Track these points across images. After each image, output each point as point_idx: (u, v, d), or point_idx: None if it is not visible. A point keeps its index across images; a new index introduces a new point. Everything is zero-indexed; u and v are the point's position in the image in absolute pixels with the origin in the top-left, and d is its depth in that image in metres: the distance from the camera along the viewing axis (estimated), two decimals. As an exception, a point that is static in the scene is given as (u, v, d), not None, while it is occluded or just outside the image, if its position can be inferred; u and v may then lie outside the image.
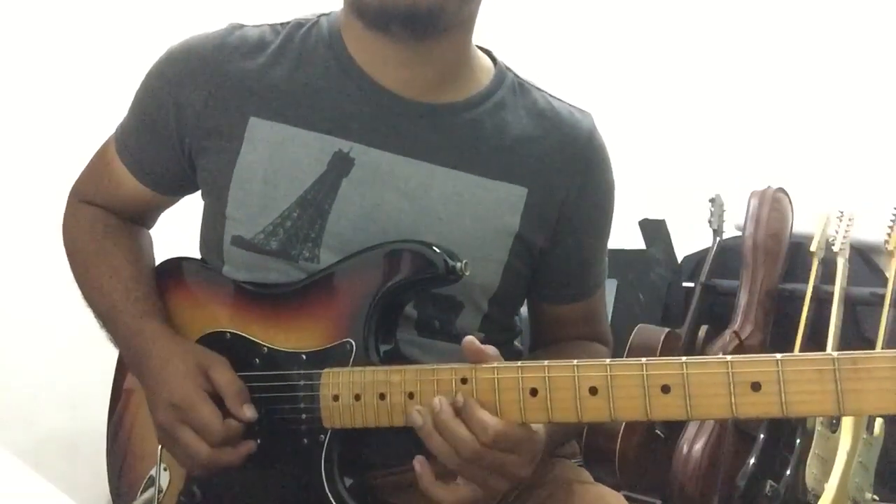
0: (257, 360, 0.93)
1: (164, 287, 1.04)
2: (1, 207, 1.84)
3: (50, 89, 1.89)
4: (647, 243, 2.39)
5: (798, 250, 2.20)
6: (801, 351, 1.92)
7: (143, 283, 1.02)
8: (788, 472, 1.88)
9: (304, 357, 0.90)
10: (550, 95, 1.04)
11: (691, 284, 2.30)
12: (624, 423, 2.04)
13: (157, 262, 1.10)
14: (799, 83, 2.44)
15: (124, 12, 1.99)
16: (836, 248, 2.04)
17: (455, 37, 0.95)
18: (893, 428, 1.94)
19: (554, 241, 1.02)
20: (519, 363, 0.78)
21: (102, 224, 1.07)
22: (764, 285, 2.15)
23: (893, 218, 1.97)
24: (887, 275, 1.97)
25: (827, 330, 1.95)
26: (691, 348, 2.16)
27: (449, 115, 0.97)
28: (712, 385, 0.70)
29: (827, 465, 1.86)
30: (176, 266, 1.06)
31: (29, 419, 1.84)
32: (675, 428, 2.08)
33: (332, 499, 0.86)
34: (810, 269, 2.07)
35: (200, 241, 1.07)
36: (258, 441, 0.92)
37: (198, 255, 1.08)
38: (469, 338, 0.80)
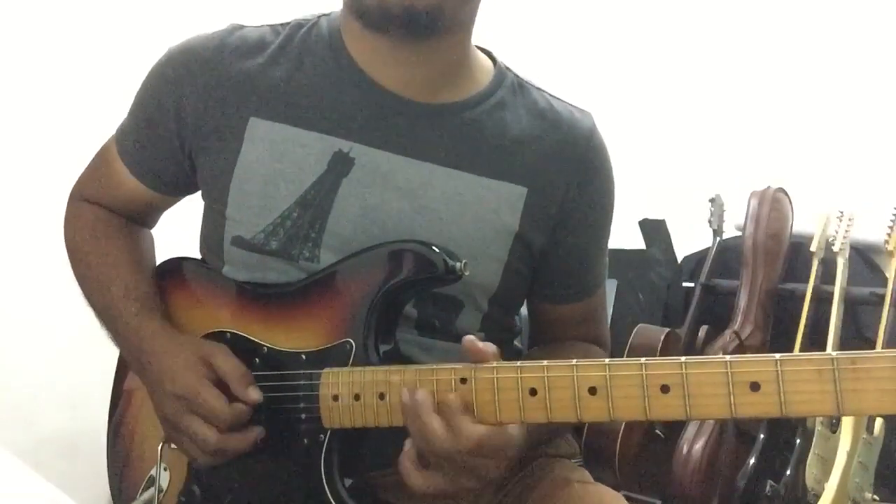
0: (257, 359, 0.94)
1: (164, 287, 1.04)
2: (1, 207, 1.84)
3: (50, 89, 1.89)
4: (647, 243, 2.39)
5: (798, 250, 2.20)
6: (801, 351, 1.92)
7: (143, 281, 1.02)
8: (788, 472, 1.88)
9: (303, 357, 0.91)
10: (550, 95, 1.04)
11: (691, 284, 2.30)
12: (624, 423, 2.04)
13: (158, 261, 1.10)
14: (799, 83, 2.44)
15: (125, 12, 1.99)
16: (836, 248, 2.04)
17: (454, 37, 0.95)
18: (893, 428, 1.94)
19: (554, 241, 1.02)
20: (518, 363, 0.78)
21: (103, 223, 1.08)
22: (764, 285, 2.16)
23: (893, 218, 1.97)
24: (887, 275, 1.97)
25: (827, 330, 1.95)
26: (691, 348, 2.16)
27: (449, 114, 0.97)
28: (711, 385, 0.70)
29: (827, 465, 1.86)
30: (176, 266, 1.06)
31: (29, 419, 1.84)
32: (674, 428, 2.08)
33: (331, 499, 0.87)
34: (810, 269, 2.07)
35: (201, 241, 1.07)
36: (258, 441, 0.92)
37: (198, 256, 1.08)
38: (469, 337, 0.81)
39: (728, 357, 0.69)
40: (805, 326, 2.00)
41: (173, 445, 0.94)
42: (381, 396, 0.83)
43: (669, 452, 2.03)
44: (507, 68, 1.04)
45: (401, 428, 0.82)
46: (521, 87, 1.03)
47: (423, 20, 0.87)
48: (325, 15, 1.02)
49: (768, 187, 2.23)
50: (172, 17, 1.99)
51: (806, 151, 2.39)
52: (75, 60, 1.92)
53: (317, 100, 0.96)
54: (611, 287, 2.31)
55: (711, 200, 2.33)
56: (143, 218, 1.12)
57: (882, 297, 1.94)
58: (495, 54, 1.05)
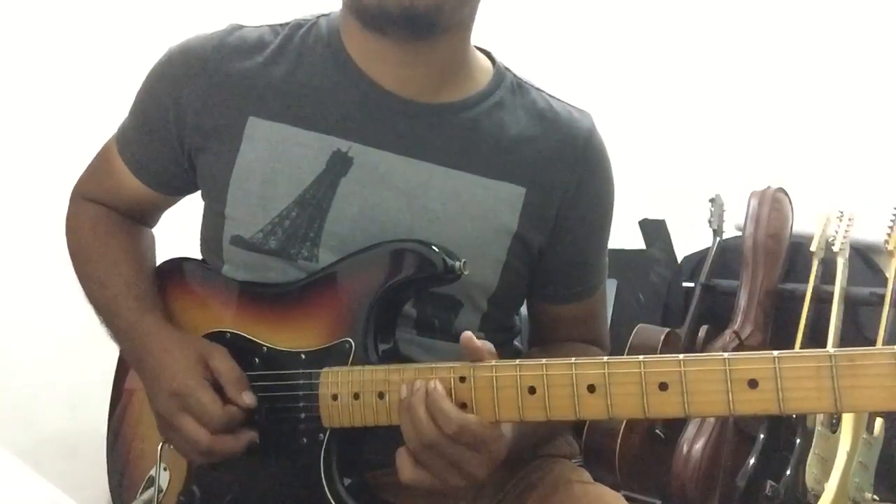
0: (257, 359, 0.94)
1: (164, 287, 1.05)
2: (1, 208, 1.84)
3: (51, 89, 1.89)
4: (647, 243, 2.39)
5: (798, 250, 2.20)
6: (800, 351, 1.91)
7: (143, 278, 1.03)
8: (788, 472, 1.88)
9: (303, 356, 0.91)
10: (549, 95, 1.04)
11: (691, 284, 2.30)
12: (624, 423, 2.04)
13: (159, 261, 1.10)
14: (799, 83, 2.44)
15: (126, 13, 1.99)
16: (836, 248, 2.04)
17: (453, 37, 0.95)
18: (893, 428, 1.94)
19: (552, 241, 1.02)
20: (517, 361, 0.78)
21: (104, 221, 1.08)
22: (764, 285, 2.16)
23: (893, 218, 1.97)
24: (887, 275, 1.97)
25: (827, 330, 1.95)
26: (691, 348, 2.15)
27: (447, 114, 0.97)
28: (709, 382, 0.70)
29: (827, 465, 1.86)
30: (176, 266, 1.06)
31: (29, 419, 1.84)
32: (675, 428, 2.08)
33: (331, 498, 0.87)
34: (810, 269, 2.07)
35: (200, 241, 1.07)
36: (257, 440, 0.91)
37: (198, 256, 1.08)
38: (467, 333, 0.81)
39: (726, 354, 0.69)
40: (805, 326, 2.00)
41: (181, 449, 0.94)
42: (381, 395, 0.83)
43: (669, 452, 2.03)
44: (506, 68, 1.04)
45: (400, 427, 0.82)
46: (519, 87, 1.03)
47: (421, 19, 0.87)
48: (324, 15, 1.02)
49: (768, 187, 2.23)
50: (172, 17, 2.00)
51: (806, 151, 2.39)
52: (76, 60, 1.93)
53: (316, 99, 0.96)
54: (611, 287, 2.32)
55: (711, 200, 2.33)
56: (143, 217, 1.12)
57: (882, 297, 1.94)
58: (494, 54, 1.05)
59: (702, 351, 2.14)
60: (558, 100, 1.04)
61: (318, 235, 0.95)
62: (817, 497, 1.82)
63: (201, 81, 0.97)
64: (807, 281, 2.06)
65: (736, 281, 2.20)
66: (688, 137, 2.63)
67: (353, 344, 0.88)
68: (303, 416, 0.89)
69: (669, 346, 2.10)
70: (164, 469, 0.98)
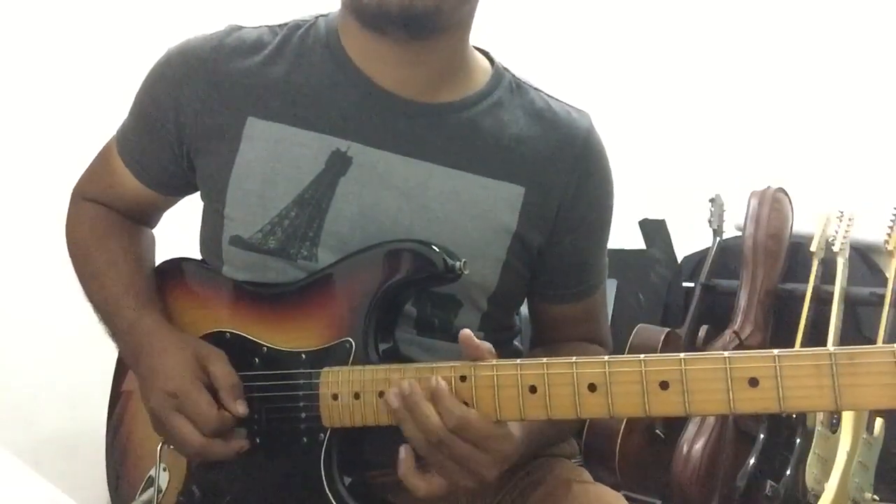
0: (257, 359, 0.94)
1: (164, 287, 1.05)
2: (1, 208, 1.84)
3: (51, 89, 1.89)
4: (647, 243, 2.39)
5: (798, 250, 2.20)
6: (801, 351, 1.91)
7: (141, 277, 1.03)
8: (788, 472, 1.88)
9: (303, 356, 0.91)
10: (548, 95, 1.04)
11: (691, 284, 2.30)
12: (623, 423, 2.04)
13: (158, 261, 1.10)
14: (798, 83, 2.44)
15: (127, 14, 1.99)
16: (836, 248, 2.04)
17: (452, 37, 0.95)
18: (893, 428, 1.94)
19: (552, 241, 1.02)
20: (518, 360, 0.79)
21: (103, 220, 1.08)
22: (764, 285, 2.16)
23: (893, 218, 1.97)
24: (887, 275, 1.97)
25: (827, 330, 1.96)
26: (691, 348, 2.16)
27: (447, 114, 0.97)
28: (710, 381, 0.70)
29: (827, 465, 1.86)
30: (176, 266, 1.06)
31: (29, 419, 1.84)
32: (674, 428, 2.08)
33: (331, 498, 0.87)
34: (810, 269, 2.07)
35: (200, 241, 1.07)
36: (258, 440, 0.92)
37: (198, 256, 1.08)
38: (466, 331, 0.81)
39: (727, 353, 0.69)
40: (805, 326, 2.01)
41: (172, 445, 0.94)
42: (381, 395, 0.83)
43: (669, 452, 2.03)
44: (505, 69, 1.04)
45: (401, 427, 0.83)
46: (518, 87, 1.03)
47: (420, 20, 0.87)
48: (322, 15, 1.02)
49: (768, 187, 2.23)
50: (172, 17, 2.00)
51: (806, 151, 2.39)
52: (76, 61, 1.93)
53: (315, 99, 0.96)
54: (611, 287, 2.32)
55: (711, 200, 2.33)
56: (143, 217, 1.12)
57: (882, 297, 1.94)
58: (493, 55, 1.05)
59: (702, 351, 2.14)
60: (557, 100, 1.04)
61: (318, 235, 0.95)
62: (817, 497, 1.82)
63: (200, 82, 0.97)
64: (807, 281, 2.06)
65: (736, 281, 2.21)
66: (688, 137, 2.63)
67: (353, 344, 0.88)
68: (303, 415, 0.89)
69: (669, 346, 2.10)
70: (164, 469, 0.98)
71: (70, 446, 1.82)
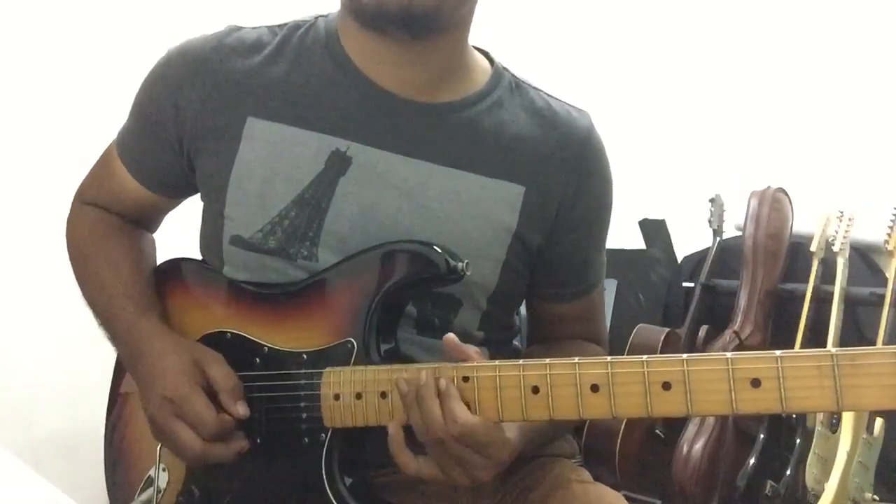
0: (258, 359, 0.93)
1: (164, 287, 1.04)
2: (1, 208, 1.84)
3: (53, 91, 1.89)
4: (647, 243, 2.39)
5: (798, 250, 2.20)
6: (801, 351, 1.91)
7: (140, 280, 1.02)
8: (788, 472, 1.88)
9: (304, 356, 0.91)
10: (547, 94, 1.04)
11: (691, 284, 2.30)
12: (624, 423, 2.04)
13: (158, 263, 1.10)
14: (798, 83, 2.44)
15: (127, 15, 1.99)
16: (836, 248, 2.04)
17: (451, 37, 0.95)
18: (893, 428, 1.94)
19: (552, 240, 1.02)
20: (521, 361, 0.79)
21: (103, 223, 1.08)
22: (764, 285, 2.16)
23: (893, 218, 1.97)
24: (887, 275, 1.97)
25: (827, 330, 1.96)
26: (691, 348, 2.16)
27: (446, 114, 0.97)
28: (713, 381, 0.71)
29: (827, 465, 1.86)
30: (176, 266, 1.06)
31: (29, 419, 1.84)
32: (674, 428, 2.08)
33: (332, 498, 0.87)
34: (810, 269, 2.07)
35: (200, 242, 1.07)
36: (258, 440, 0.92)
37: (198, 256, 1.08)
38: (449, 335, 0.82)
39: (729, 354, 0.69)
40: (805, 326, 2.01)
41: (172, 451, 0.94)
42: (383, 395, 0.84)
43: (669, 452, 2.03)
44: (505, 68, 1.04)
45: (402, 427, 0.82)
46: (518, 86, 1.03)
47: (419, 20, 0.88)
48: (322, 16, 1.02)
49: (768, 187, 2.23)
50: (173, 19, 2.00)
51: (806, 151, 2.39)
52: (78, 64, 1.92)
53: (314, 99, 0.96)
54: (611, 287, 2.32)
55: (711, 200, 2.33)
56: (144, 221, 1.12)
57: (882, 297, 1.94)
58: (493, 55, 1.05)
59: (702, 351, 2.14)
60: (556, 99, 1.04)
61: (318, 235, 0.95)
62: (817, 497, 1.82)
63: (200, 82, 0.97)
64: (807, 281, 2.06)
65: (736, 281, 2.21)
66: (688, 137, 2.63)
67: (355, 344, 0.88)
68: (304, 416, 0.89)
69: (669, 346, 2.10)
70: (163, 469, 0.98)
71: (70, 446, 1.81)
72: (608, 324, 2.23)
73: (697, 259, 2.38)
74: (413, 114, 0.96)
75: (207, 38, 1.00)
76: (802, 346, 1.98)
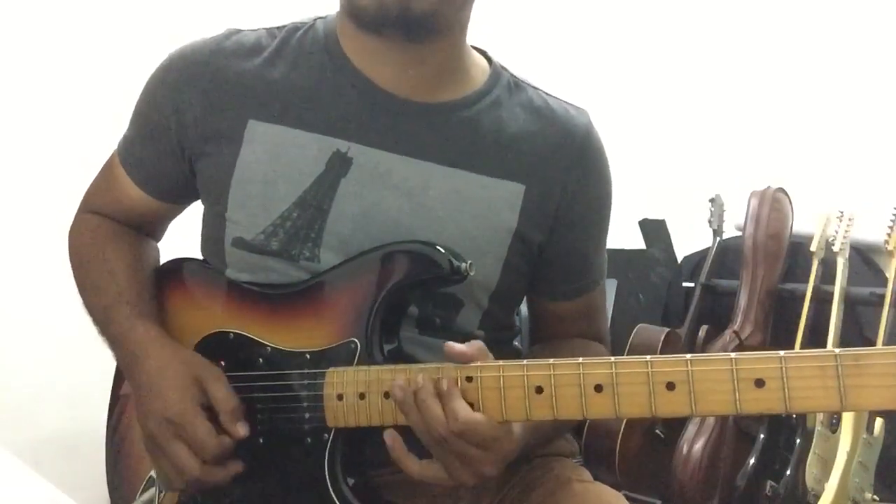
0: (261, 359, 0.93)
1: (167, 287, 1.04)
2: (2, 209, 1.84)
3: (56, 96, 1.89)
4: (647, 243, 2.40)
5: (798, 250, 2.20)
6: (801, 351, 1.92)
7: (138, 286, 1.02)
8: (788, 472, 1.88)
9: (307, 356, 0.91)
10: (546, 93, 1.04)
11: (691, 284, 2.30)
12: (624, 423, 2.04)
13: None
14: (798, 83, 2.44)
15: (128, 19, 1.99)
16: (836, 248, 2.04)
17: (450, 38, 0.95)
18: (893, 428, 1.94)
19: (552, 238, 1.02)
20: (525, 361, 0.79)
21: (105, 229, 1.07)
22: (764, 285, 2.16)
23: (893, 218, 1.97)
24: (887, 275, 1.97)
25: (827, 330, 1.96)
26: (691, 348, 2.16)
27: (446, 113, 0.97)
28: (717, 381, 0.71)
29: (827, 465, 1.86)
30: (179, 266, 1.06)
31: (29, 419, 1.84)
32: (675, 428, 2.08)
33: (335, 498, 0.87)
34: (810, 269, 2.07)
35: (201, 244, 1.07)
36: (261, 440, 0.92)
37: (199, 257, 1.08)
38: (448, 343, 0.82)
39: (733, 354, 0.70)
40: (805, 326, 2.01)
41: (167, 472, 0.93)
42: (386, 395, 0.84)
43: (669, 452, 2.03)
44: (503, 67, 1.04)
45: (405, 427, 0.83)
46: (516, 85, 1.03)
47: (418, 22, 0.88)
48: (320, 18, 1.02)
49: (768, 187, 2.23)
50: (173, 21, 2.00)
51: (806, 151, 2.39)
52: (81, 68, 1.92)
53: (314, 101, 0.96)
54: (611, 287, 2.32)
55: (711, 200, 2.33)
56: (147, 228, 1.11)
57: (882, 297, 1.94)
58: (491, 54, 1.05)
59: (702, 351, 2.14)
60: (555, 97, 1.04)
61: (320, 236, 0.95)
62: (817, 497, 1.83)
63: (201, 86, 0.97)
64: (807, 281, 2.07)
65: (736, 281, 2.21)
66: (688, 137, 2.63)
67: (358, 344, 0.88)
68: (307, 416, 0.89)
69: (669, 346, 2.11)
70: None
71: (70, 446, 1.81)
72: (608, 320, 2.22)
73: (697, 259, 2.38)
74: (413, 114, 0.96)
75: (206, 41, 1.00)
76: (802, 347, 1.98)
